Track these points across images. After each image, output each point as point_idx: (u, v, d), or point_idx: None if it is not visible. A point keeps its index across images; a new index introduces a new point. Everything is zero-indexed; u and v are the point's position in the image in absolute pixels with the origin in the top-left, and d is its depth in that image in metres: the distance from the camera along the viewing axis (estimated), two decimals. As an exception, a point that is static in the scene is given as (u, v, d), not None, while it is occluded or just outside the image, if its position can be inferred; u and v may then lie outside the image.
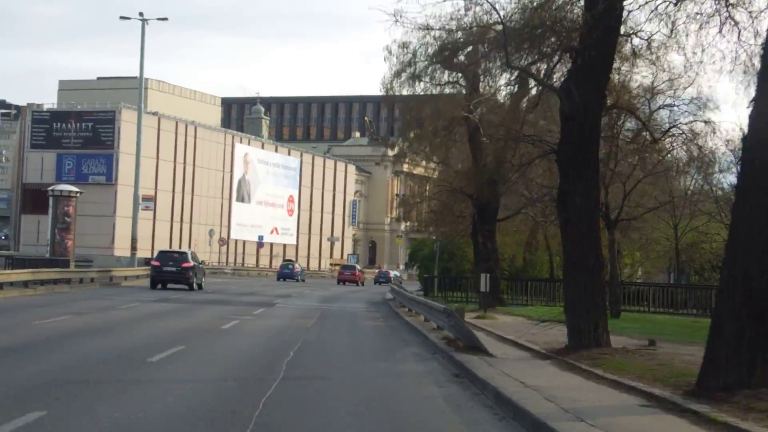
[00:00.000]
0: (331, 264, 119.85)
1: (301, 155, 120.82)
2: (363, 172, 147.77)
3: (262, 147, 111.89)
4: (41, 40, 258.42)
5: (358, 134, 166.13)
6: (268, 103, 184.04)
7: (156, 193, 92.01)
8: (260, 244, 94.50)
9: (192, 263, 43.29)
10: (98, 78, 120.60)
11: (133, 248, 57.15)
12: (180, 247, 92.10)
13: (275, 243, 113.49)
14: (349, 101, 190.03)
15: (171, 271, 42.54)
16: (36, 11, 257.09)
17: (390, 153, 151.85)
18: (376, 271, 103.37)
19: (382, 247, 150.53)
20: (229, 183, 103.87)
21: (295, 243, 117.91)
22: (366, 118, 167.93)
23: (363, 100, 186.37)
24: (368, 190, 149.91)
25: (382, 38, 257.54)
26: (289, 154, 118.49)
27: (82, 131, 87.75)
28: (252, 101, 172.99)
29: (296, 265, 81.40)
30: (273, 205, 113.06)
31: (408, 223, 78.46)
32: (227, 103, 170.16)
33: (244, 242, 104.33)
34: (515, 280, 44.83)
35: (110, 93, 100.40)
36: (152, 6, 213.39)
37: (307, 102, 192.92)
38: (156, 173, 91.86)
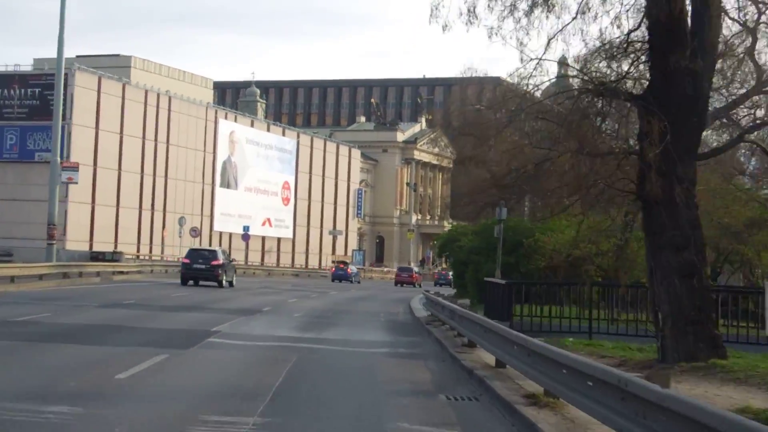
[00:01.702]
0: (333, 261, 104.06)
1: (298, 136, 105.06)
2: (369, 160, 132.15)
3: (252, 125, 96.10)
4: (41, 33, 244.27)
5: (363, 119, 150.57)
6: (266, 87, 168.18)
7: (120, 174, 76.45)
8: (245, 237, 78.85)
9: (221, 261, 43.98)
10: (77, 56, 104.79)
11: (50, 237, 41.54)
12: (140, 239, 77.34)
13: (268, 236, 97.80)
14: (353, 85, 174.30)
15: (200, 269, 42.99)
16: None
17: (399, 138, 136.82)
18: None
19: (390, 242, 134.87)
20: (211, 165, 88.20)
21: (291, 237, 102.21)
22: (372, 100, 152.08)
23: (368, 84, 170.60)
24: (375, 179, 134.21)
25: (382, 37, 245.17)
26: (283, 134, 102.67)
27: (27, 98, 72.15)
28: (247, 85, 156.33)
29: (350, 267, 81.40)
30: (265, 192, 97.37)
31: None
32: (221, 87, 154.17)
33: (230, 235, 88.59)
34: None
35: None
36: (155, 4, 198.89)
37: (308, 86, 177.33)
38: (120, 151, 76.31)
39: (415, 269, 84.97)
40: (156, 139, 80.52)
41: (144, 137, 79.10)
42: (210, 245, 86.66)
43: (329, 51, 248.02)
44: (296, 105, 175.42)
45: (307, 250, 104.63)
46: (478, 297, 34.06)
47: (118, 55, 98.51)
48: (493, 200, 33.71)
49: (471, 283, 40.36)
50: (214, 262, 43.47)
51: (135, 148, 77.90)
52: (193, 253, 45.52)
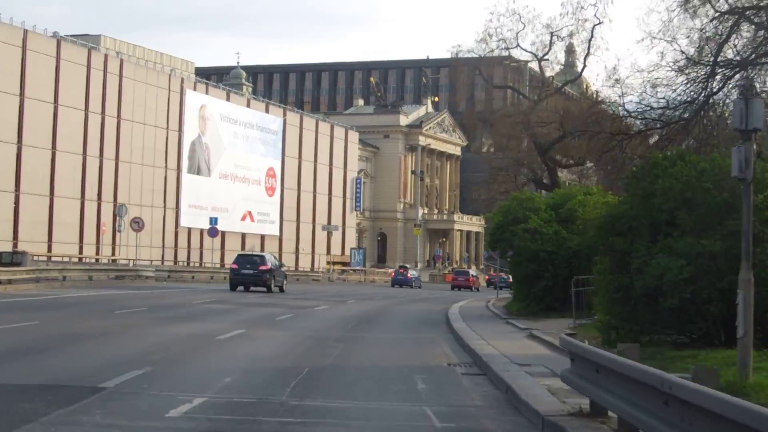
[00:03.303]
0: (329, 263, 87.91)
1: (285, 114, 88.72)
2: (369, 147, 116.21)
3: (227, 98, 79.77)
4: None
5: (361, 102, 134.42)
6: (254, 72, 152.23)
7: (54, 155, 60.42)
8: (213, 232, 62.43)
9: (269, 266, 43.50)
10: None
11: None
12: (82, 237, 61.78)
13: (250, 233, 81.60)
14: (349, 68, 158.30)
15: (248, 274, 42.71)
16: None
17: (403, 122, 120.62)
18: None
19: (394, 240, 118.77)
20: (176, 146, 71.98)
21: (278, 233, 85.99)
22: (371, 79, 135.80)
23: (366, 67, 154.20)
24: (375, 168, 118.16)
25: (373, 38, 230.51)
26: (267, 110, 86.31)
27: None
28: (232, 69, 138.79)
29: (410, 271, 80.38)
30: (245, 180, 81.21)
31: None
32: (204, 73, 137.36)
33: (200, 232, 72.38)
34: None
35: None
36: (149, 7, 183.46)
37: (300, 70, 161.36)
38: (54, 125, 60.29)
39: (472, 272, 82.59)
40: (103, 112, 64.39)
41: (87, 109, 62.94)
42: (175, 244, 70.85)
43: (325, 49, 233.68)
44: (287, 91, 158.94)
45: (297, 249, 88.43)
46: (631, 332, 16.33)
47: (86, 35, 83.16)
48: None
49: (607, 297, 24.00)
50: (263, 267, 43.11)
51: (75, 122, 61.78)
52: (241, 258, 45.03)
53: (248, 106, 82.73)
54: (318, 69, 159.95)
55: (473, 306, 35.87)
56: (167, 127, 70.66)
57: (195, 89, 74.63)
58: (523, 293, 27.03)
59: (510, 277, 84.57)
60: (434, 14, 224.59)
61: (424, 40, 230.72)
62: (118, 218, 54.12)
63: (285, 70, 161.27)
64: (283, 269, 47.88)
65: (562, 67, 44.43)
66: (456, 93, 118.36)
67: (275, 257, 49.47)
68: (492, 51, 45.52)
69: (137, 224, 52.04)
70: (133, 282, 47.36)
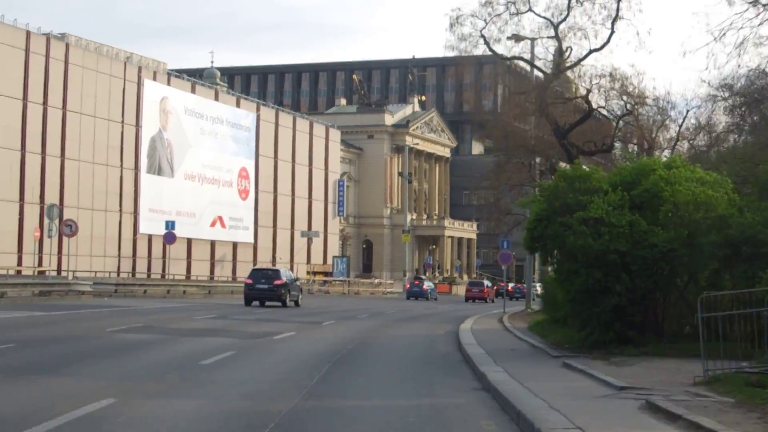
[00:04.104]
0: (308, 272, 79.58)
1: (258, 108, 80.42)
2: (352, 148, 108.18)
3: (192, 90, 71.42)
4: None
5: (344, 101, 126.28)
6: (231, 74, 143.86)
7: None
8: (169, 238, 53.70)
9: (284, 280, 42.81)
10: None
11: None
12: (21, 245, 53.52)
13: (220, 241, 73.29)
14: (331, 69, 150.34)
15: (263, 289, 42.18)
16: None
17: (388, 121, 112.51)
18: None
19: (380, 247, 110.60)
20: (133, 143, 63.65)
21: (252, 241, 77.60)
22: (354, 76, 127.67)
23: (349, 67, 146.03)
24: (359, 171, 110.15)
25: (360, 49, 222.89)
26: (238, 105, 78.01)
27: None
28: (206, 69, 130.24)
29: (426, 282, 77.52)
30: (215, 181, 72.90)
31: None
32: (177, 76, 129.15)
33: (163, 238, 63.93)
34: None
35: None
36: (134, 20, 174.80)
37: (279, 71, 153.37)
38: (-16, 116, 51.97)
39: (487, 283, 79.46)
40: (45, 102, 56.14)
41: (26, 98, 54.70)
42: (134, 253, 62.62)
43: (305, 53, 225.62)
44: (266, 93, 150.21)
45: (273, 258, 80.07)
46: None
47: (49, 33, 74.93)
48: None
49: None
50: (277, 282, 42.53)
51: (11, 113, 53.49)
52: (256, 273, 44.75)
53: (216, 99, 74.40)
54: (298, 70, 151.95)
55: (487, 328, 27.61)
56: (122, 121, 62.39)
57: (155, 79, 66.30)
58: (583, 314, 17.92)
59: (509, 285, 77.90)
60: (421, 14, 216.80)
61: (410, 41, 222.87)
62: (48, 221, 45.64)
63: (263, 72, 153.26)
64: (298, 283, 46.99)
65: (583, 34, 36.43)
66: (455, 79, 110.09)
67: (290, 271, 49.12)
68: (499, 15, 37.43)
69: (70, 228, 43.49)
70: (62, 299, 38.92)
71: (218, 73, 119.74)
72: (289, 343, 21.34)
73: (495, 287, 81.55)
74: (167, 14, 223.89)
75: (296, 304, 43.65)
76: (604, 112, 36.85)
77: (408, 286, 78.03)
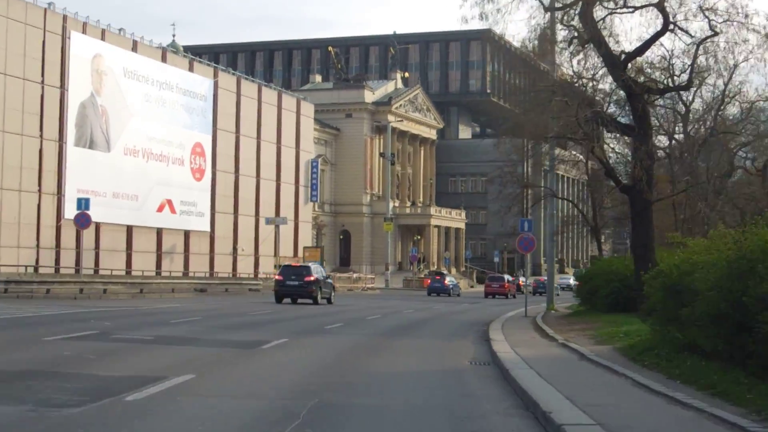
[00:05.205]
0: (276, 266, 68.19)
1: (216, 74, 69.00)
2: (328, 128, 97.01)
3: (134, 49, 59.76)
4: None
5: (319, 78, 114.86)
6: (198, 52, 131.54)
7: None
8: (81, 221, 41.20)
9: (315, 276, 41.88)
10: None
11: None
12: None
13: (169, 228, 61.92)
14: (306, 46, 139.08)
15: (293, 285, 41.51)
16: None
17: (368, 98, 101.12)
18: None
19: (359, 238, 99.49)
20: (57, 109, 52.14)
21: (208, 229, 66.21)
22: (330, 48, 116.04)
23: (325, 44, 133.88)
24: (336, 154, 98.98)
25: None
26: (191, 69, 66.52)
27: None
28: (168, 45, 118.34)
29: (447, 278, 75.12)
30: (162, 158, 61.45)
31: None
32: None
33: (96, 226, 52.45)
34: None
35: None
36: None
37: (251, 49, 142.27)
38: None
39: (507, 278, 75.78)
40: (-63, 53, 44.62)
41: None
42: (57, 243, 51.31)
43: (279, 28, 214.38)
44: (235, 72, 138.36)
45: (234, 249, 68.77)
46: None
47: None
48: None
49: None
50: (308, 278, 41.34)
51: None
52: (287, 270, 43.30)
53: (164, 60, 62.85)
54: (270, 47, 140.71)
55: (543, 354, 16.48)
56: (42, 82, 50.93)
57: (85, 32, 54.67)
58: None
59: (522, 279, 71.64)
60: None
61: (390, 17, 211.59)
62: None
63: (232, 50, 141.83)
64: (330, 280, 46.04)
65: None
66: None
67: (322, 267, 47.76)
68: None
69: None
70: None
71: (181, 47, 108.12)
72: (185, 408, 10.15)
73: (519, 282, 78.52)
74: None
75: (329, 301, 42.63)
76: (680, 34, 25.57)
77: (428, 281, 75.68)
